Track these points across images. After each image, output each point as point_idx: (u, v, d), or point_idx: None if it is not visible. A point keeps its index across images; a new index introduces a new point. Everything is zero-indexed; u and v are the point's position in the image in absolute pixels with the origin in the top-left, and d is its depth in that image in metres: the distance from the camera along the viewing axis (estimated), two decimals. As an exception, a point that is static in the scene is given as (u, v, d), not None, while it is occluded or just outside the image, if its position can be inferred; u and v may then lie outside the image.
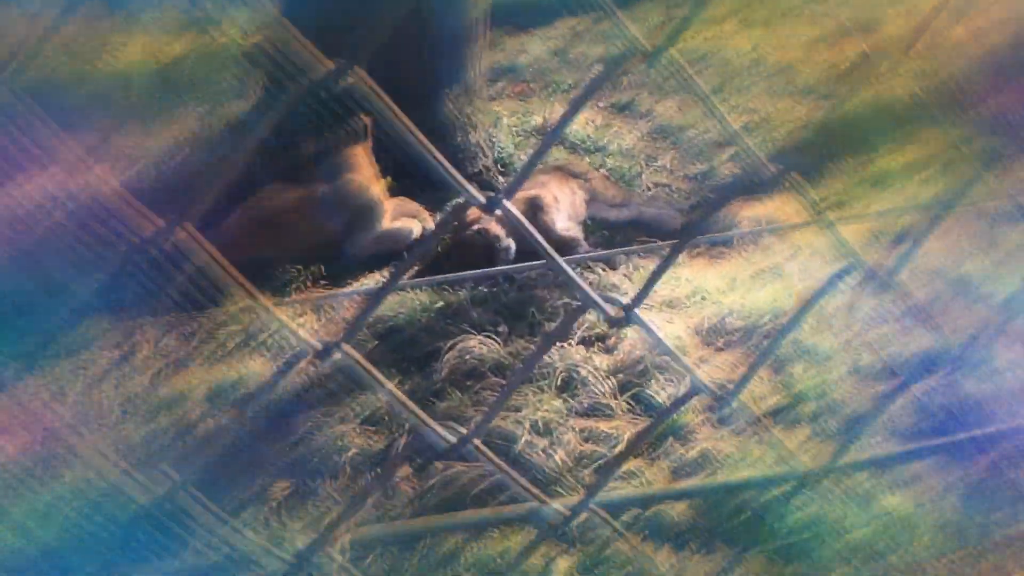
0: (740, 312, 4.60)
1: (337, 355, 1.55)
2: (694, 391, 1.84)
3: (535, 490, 1.88)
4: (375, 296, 3.75)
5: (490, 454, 1.80)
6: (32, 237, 4.96)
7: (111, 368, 4.36)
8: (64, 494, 3.65)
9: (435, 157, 1.62)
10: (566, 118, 1.85)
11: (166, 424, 4.02)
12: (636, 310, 1.76)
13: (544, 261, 1.73)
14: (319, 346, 1.56)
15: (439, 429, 1.70)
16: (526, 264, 4.74)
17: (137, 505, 1.51)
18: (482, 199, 1.64)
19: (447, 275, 4.76)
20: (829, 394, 4.14)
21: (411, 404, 1.66)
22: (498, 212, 1.68)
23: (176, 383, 4.25)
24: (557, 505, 1.92)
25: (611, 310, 1.76)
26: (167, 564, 3.24)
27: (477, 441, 1.74)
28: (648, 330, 1.79)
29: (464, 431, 1.72)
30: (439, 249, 5.01)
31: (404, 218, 5.19)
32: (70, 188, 5.03)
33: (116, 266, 4.14)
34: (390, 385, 1.65)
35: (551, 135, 1.79)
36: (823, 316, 4.46)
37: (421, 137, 1.60)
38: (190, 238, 1.44)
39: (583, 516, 1.91)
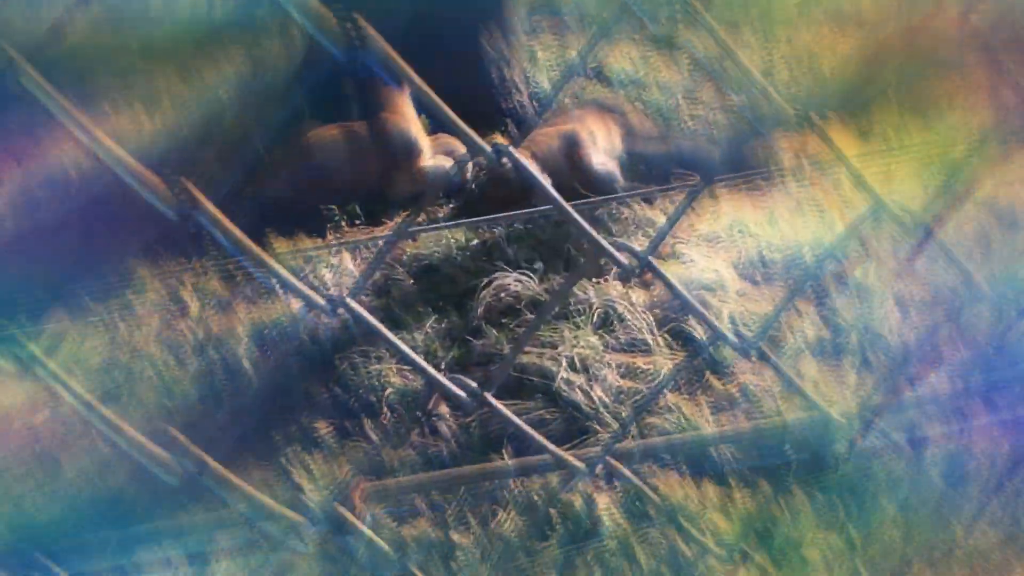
0: (779, 246, 4.56)
1: (343, 311, 1.54)
2: (716, 338, 1.82)
3: (551, 446, 1.87)
4: (381, 250, 3.73)
5: (504, 410, 1.79)
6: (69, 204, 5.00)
7: (154, 311, 4.40)
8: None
9: (447, 113, 1.60)
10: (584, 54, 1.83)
11: (209, 364, 4.06)
12: (651, 258, 1.75)
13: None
14: (323, 302, 1.56)
15: (453, 387, 1.69)
16: (539, 209, 4.70)
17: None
18: (488, 148, 1.63)
19: (478, 219, 4.75)
20: (873, 328, 4.11)
21: (422, 363, 1.65)
22: (504, 160, 1.66)
23: (219, 323, 4.29)
24: (573, 461, 1.92)
25: (625, 259, 1.75)
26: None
27: (489, 395, 1.73)
28: (665, 281, 1.77)
29: (473, 385, 1.72)
30: (474, 186, 5.00)
31: (441, 156, 5.18)
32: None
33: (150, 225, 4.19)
34: (400, 344, 1.65)
35: (570, 69, 1.77)
36: (866, 250, 4.43)
37: (431, 94, 1.59)
38: (193, 197, 1.43)
39: (600, 468, 1.91)
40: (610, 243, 1.75)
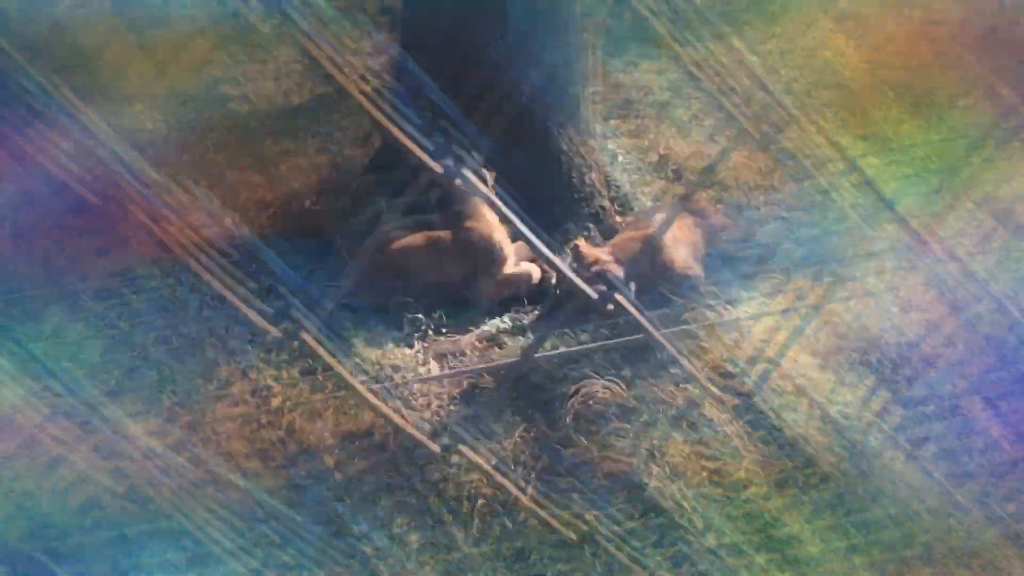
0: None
1: (449, 441, 1.57)
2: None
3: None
4: (507, 368, 3.76)
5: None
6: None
7: (247, 412, 4.47)
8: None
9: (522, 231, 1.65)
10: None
11: (304, 472, 4.10)
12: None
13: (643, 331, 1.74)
14: (437, 448, 1.59)
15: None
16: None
17: None
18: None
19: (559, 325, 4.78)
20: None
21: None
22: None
23: (306, 429, 4.34)
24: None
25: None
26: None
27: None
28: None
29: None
30: (558, 291, 5.04)
31: (525, 262, 5.23)
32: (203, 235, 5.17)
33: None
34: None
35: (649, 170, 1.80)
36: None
37: (512, 216, 1.64)
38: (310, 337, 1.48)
39: None
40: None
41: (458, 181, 1.58)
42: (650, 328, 1.71)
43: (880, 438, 4.07)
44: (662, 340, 1.75)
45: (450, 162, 1.58)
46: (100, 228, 5.38)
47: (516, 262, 5.22)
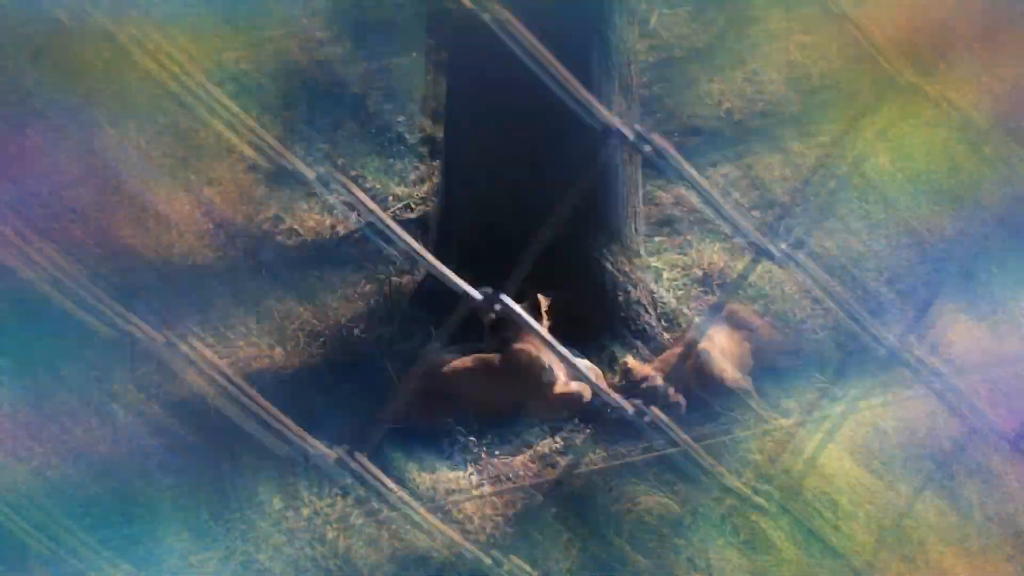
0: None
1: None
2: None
3: None
4: (553, 485, 3.74)
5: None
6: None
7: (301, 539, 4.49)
8: None
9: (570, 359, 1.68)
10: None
11: None
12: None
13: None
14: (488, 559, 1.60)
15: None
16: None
17: None
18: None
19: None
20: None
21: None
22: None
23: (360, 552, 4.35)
24: None
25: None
26: None
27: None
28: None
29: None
30: (609, 410, 5.05)
31: (576, 382, 5.25)
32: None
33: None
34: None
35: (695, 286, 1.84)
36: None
37: (556, 345, 1.68)
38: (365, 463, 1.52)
39: None
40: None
41: (497, 306, 1.63)
42: (686, 441, 1.74)
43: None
44: (698, 451, 1.77)
45: (489, 289, 1.64)
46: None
47: (567, 382, 5.24)
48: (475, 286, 1.88)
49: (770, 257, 1.86)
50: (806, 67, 8.13)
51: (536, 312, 5.11)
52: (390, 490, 1.62)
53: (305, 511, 4.57)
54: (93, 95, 8.02)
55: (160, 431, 5.12)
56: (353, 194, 1.49)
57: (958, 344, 5.24)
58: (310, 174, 1.50)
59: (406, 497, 1.55)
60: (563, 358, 1.89)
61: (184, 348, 1.47)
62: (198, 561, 4.31)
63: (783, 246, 1.81)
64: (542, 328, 1.78)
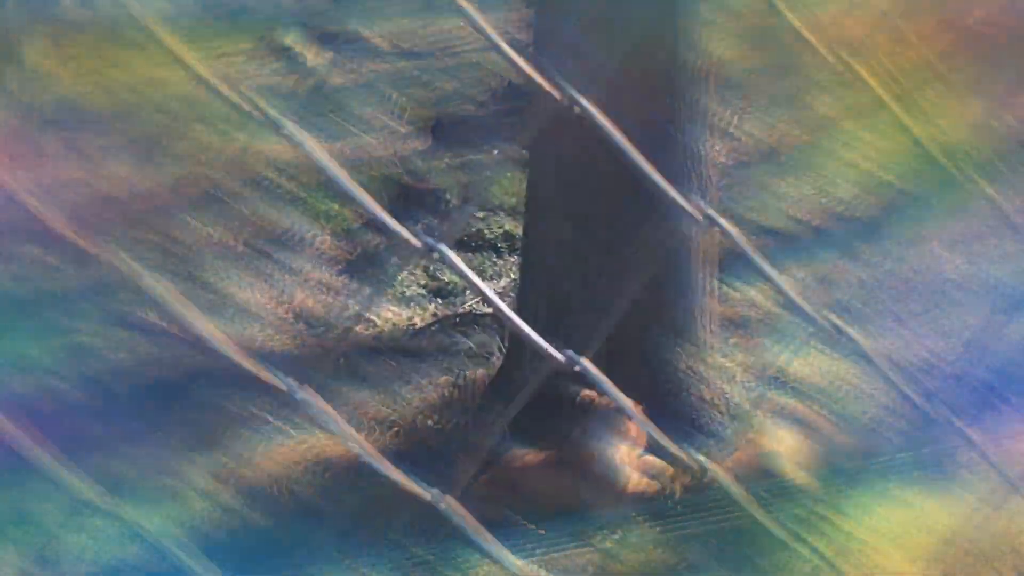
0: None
1: None
2: None
3: None
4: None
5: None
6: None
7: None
8: None
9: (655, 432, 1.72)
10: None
11: None
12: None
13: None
14: None
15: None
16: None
17: None
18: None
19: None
20: None
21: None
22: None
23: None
24: None
25: None
26: None
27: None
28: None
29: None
30: (679, 507, 5.07)
31: (647, 480, 5.22)
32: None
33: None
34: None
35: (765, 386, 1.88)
36: None
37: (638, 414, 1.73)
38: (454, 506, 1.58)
39: None
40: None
41: (577, 368, 1.69)
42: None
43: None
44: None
45: (571, 352, 1.70)
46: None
47: (639, 479, 5.22)
48: (550, 377, 1.94)
49: (839, 339, 1.89)
50: (878, 172, 8.17)
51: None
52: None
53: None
54: (178, 183, 8.26)
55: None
56: (456, 266, 1.56)
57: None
58: (417, 242, 1.57)
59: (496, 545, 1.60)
60: (638, 420, 1.93)
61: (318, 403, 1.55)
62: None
63: (851, 332, 1.85)
64: (621, 394, 1.83)
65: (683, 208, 1.78)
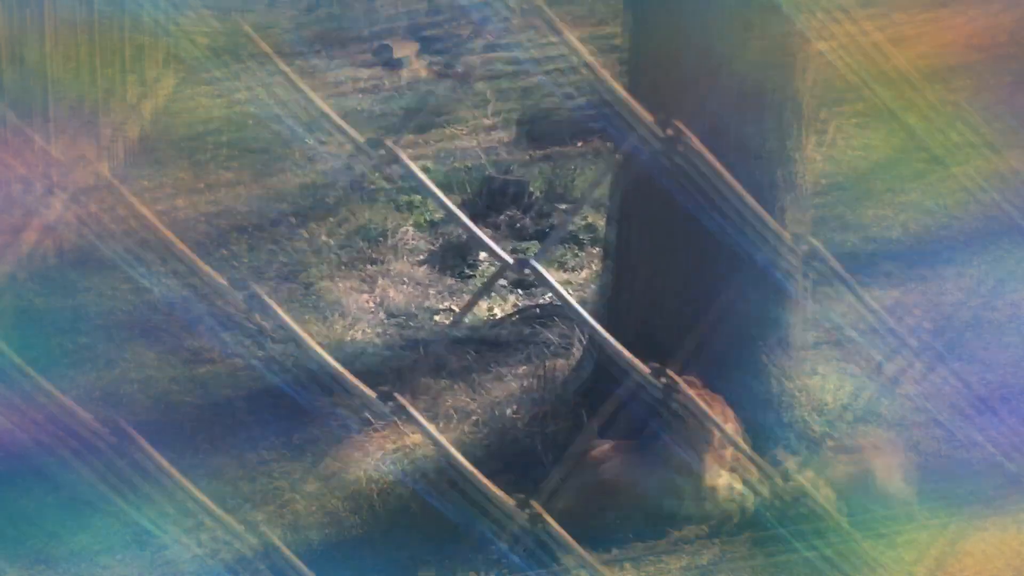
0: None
1: None
2: None
3: None
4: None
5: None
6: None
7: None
8: None
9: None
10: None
11: None
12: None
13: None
14: None
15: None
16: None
17: None
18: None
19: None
20: None
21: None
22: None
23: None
24: None
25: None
26: None
27: None
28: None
29: None
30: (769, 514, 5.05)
31: (734, 480, 5.17)
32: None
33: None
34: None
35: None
36: None
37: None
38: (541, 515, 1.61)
39: None
40: None
41: (663, 379, 1.71)
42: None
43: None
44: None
45: (656, 364, 1.72)
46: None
47: (721, 476, 5.17)
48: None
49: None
50: (979, 187, 8.01)
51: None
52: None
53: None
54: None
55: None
56: (542, 276, 1.59)
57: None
58: (510, 259, 1.60)
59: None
60: (719, 429, 1.96)
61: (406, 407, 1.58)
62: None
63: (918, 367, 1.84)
64: (701, 402, 1.85)
65: (776, 235, 1.79)
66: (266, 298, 1.51)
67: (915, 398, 5.85)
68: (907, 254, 7.49)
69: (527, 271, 1.64)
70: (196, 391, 6.16)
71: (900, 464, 5.22)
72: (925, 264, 7.30)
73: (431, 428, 1.63)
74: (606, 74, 1.61)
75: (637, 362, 1.70)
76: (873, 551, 4.61)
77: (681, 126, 1.66)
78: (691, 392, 1.78)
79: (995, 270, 7.07)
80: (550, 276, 1.63)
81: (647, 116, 1.64)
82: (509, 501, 1.61)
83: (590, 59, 1.56)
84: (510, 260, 1.61)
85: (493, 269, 7.47)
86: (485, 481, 1.65)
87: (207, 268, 1.48)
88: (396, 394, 1.56)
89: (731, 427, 4.94)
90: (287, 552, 1.62)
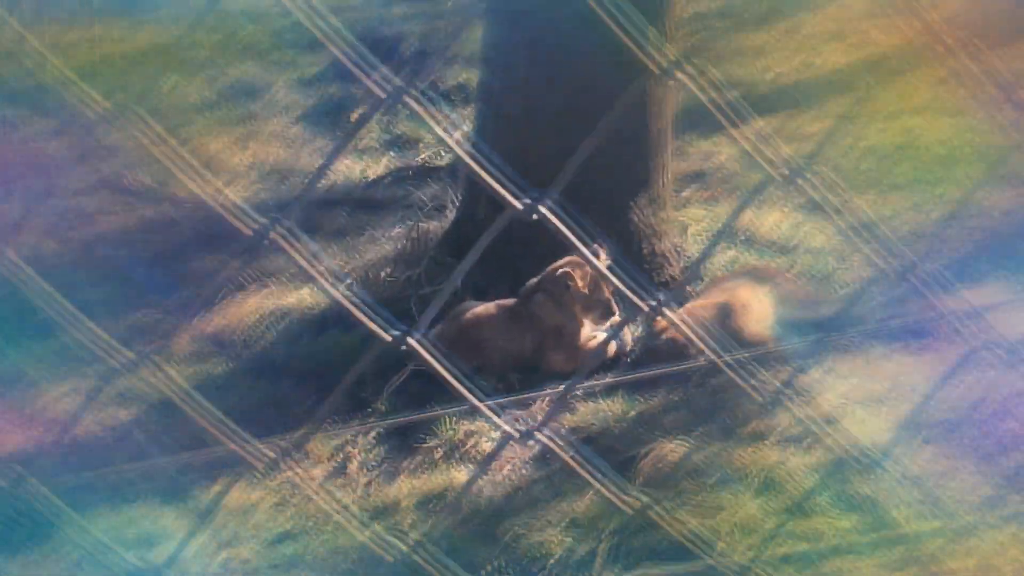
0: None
1: (536, 439, 1.66)
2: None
3: None
4: (563, 392, 3.84)
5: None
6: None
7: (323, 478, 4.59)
8: None
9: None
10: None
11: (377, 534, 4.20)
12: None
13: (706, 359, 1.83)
14: (518, 432, 1.67)
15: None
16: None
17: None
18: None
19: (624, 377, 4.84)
20: None
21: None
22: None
23: (386, 493, 4.45)
24: None
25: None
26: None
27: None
28: None
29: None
30: (629, 360, 5.12)
31: (598, 336, 5.25)
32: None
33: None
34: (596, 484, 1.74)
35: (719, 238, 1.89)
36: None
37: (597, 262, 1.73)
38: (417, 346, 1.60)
39: None
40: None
41: (535, 216, 1.69)
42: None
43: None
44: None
45: (529, 200, 1.70)
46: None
47: (591, 336, 5.25)
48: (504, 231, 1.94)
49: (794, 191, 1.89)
50: (859, 35, 8.08)
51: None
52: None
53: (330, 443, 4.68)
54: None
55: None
56: (421, 113, 1.55)
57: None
58: (381, 93, 1.56)
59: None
60: (585, 258, 1.95)
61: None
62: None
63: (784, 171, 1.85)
64: (578, 241, 1.84)
65: (642, 60, 1.77)
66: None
67: (780, 239, 5.95)
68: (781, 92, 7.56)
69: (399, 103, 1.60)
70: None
71: (760, 307, 5.29)
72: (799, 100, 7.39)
73: (308, 258, 1.59)
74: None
75: (509, 196, 1.68)
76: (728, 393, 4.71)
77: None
78: (562, 225, 1.76)
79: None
80: (422, 110, 1.59)
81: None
82: (386, 337, 1.60)
83: None
84: (382, 93, 1.57)
85: (366, 129, 7.34)
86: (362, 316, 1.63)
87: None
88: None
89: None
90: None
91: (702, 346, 2.08)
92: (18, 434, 4.83)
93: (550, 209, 1.81)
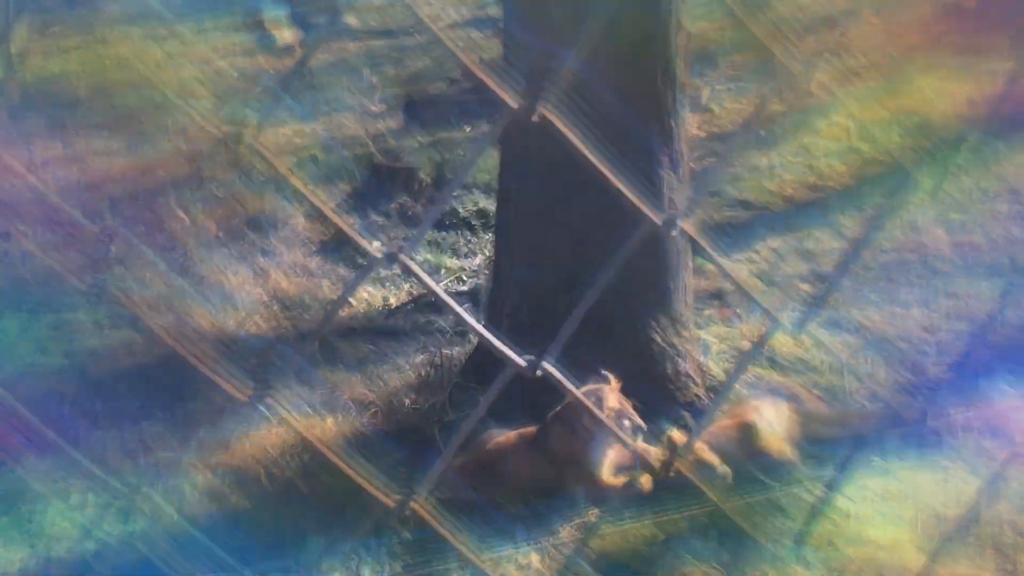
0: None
1: None
2: None
3: None
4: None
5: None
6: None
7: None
8: None
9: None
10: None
11: None
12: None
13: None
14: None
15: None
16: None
17: None
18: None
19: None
20: None
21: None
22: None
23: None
24: None
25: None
26: None
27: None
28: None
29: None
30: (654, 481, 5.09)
31: (624, 472, 5.18)
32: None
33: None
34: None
35: (744, 360, 1.90)
36: None
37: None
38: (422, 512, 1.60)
39: None
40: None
41: (539, 373, 1.70)
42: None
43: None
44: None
45: (532, 357, 1.71)
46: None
47: (616, 467, 5.18)
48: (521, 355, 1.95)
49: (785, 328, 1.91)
50: (856, 142, 8.20)
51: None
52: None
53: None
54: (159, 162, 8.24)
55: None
56: (410, 269, 1.56)
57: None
58: (376, 252, 1.58)
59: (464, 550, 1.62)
60: (604, 425, 1.96)
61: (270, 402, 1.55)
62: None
63: (793, 317, 1.87)
64: (580, 394, 1.85)
65: (644, 212, 1.80)
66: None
67: (803, 359, 5.95)
68: (791, 208, 7.65)
69: (394, 266, 1.62)
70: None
71: (785, 426, 5.27)
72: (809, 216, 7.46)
73: (297, 421, 1.60)
74: (468, 59, 1.60)
75: (512, 354, 1.69)
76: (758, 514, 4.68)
77: (547, 112, 1.65)
78: (565, 381, 1.77)
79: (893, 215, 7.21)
80: (417, 267, 1.62)
81: (514, 98, 1.62)
82: (388, 502, 1.59)
83: (452, 44, 1.54)
84: (377, 255, 1.59)
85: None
86: (360, 477, 1.63)
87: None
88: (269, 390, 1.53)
89: (619, 404, 4.98)
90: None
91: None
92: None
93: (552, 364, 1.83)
